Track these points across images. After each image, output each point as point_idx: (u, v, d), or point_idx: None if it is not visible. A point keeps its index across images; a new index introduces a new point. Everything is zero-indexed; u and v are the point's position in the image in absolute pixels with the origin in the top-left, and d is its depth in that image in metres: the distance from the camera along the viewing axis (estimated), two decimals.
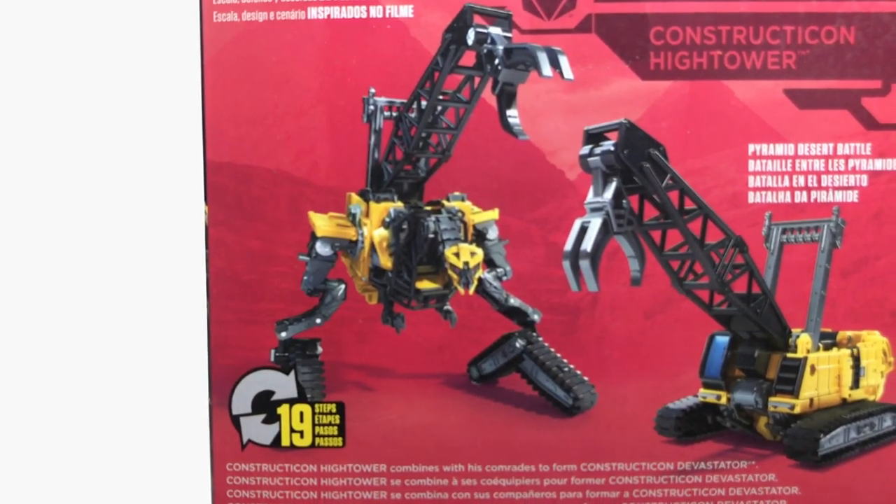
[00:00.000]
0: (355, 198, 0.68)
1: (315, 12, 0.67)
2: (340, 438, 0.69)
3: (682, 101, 0.67)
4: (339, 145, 0.67)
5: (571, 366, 0.69)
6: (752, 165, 0.67)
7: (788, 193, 0.68)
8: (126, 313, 0.73)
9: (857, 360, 0.70)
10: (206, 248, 0.68)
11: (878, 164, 0.67)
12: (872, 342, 0.69)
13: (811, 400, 0.70)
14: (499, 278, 0.69)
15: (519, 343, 0.69)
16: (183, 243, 0.70)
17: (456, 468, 0.68)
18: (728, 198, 0.68)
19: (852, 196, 0.68)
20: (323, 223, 0.67)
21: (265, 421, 0.69)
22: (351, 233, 0.68)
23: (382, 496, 0.68)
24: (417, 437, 0.68)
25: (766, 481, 0.68)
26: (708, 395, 0.70)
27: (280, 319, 0.68)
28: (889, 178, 0.67)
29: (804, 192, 0.68)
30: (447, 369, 0.69)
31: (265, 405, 0.69)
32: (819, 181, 0.67)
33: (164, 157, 0.71)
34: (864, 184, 0.67)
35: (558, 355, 0.69)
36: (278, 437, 0.69)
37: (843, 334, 0.70)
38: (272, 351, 0.68)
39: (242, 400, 0.69)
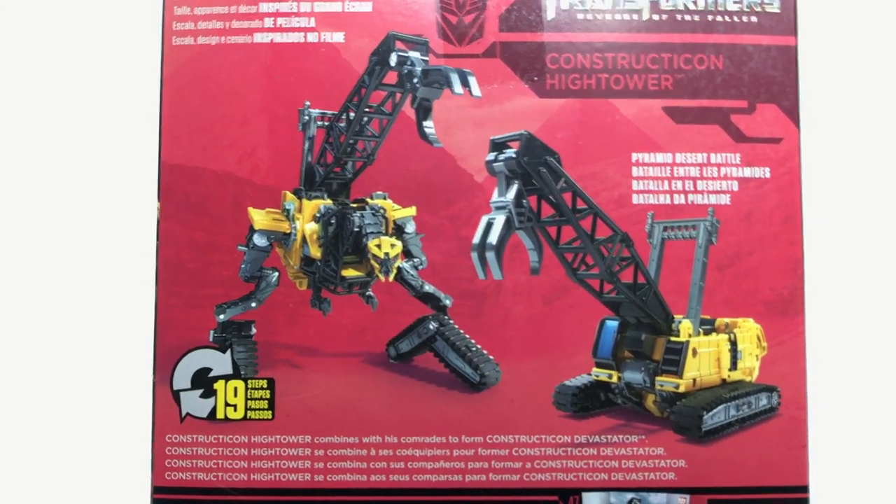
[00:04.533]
0: (290, 195, 0.77)
1: (260, 37, 0.77)
2: (270, 412, 0.76)
3: (575, 115, 0.77)
4: (277, 150, 0.77)
5: (478, 346, 0.77)
6: (636, 171, 0.77)
7: (668, 196, 0.77)
8: (81, 298, 0.80)
9: (734, 344, 0.78)
10: (157, 239, 0.76)
11: (747, 172, 0.77)
12: (747, 328, 0.77)
13: (694, 380, 0.77)
14: (415, 267, 0.77)
15: (432, 325, 0.77)
16: (137, 235, 0.79)
17: (374, 440, 0.75)
18: (615, 199, 0.77)
19: (725, 199, 0.77)
20: (260, 217, 0.76)
21: (203, 396, 0.76)
22: (285, 226, 0.77)
23: (307, 465, 0.75)
24: (340, 411, 0.76)
25: (655, 454, 0.75)
26: (600, 374, 0.77)
27: (219, 303, 0.76)
28: (757, 185, 0.77)
29: (682, 195, 0.77)
30: (368, 349, 0.77)
31: (203, 381, 0.76)
32: (695, 186, 0.77)
33: (124, 158, 0.80)
34: (735, 189, 0.77)
35: (467, 336, 0.77)
36: (214, 411, 0.76)
37: (721, 321, 0.78)
38: (211, 332, 0.76)
39: (183, 376, 0.76)
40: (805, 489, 0.75)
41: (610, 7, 0.77)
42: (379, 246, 0.76)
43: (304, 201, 0.77)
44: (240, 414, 0.76)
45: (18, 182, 0.81)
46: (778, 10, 0.78)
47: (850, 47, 0.83)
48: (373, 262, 0.77)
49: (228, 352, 0.76)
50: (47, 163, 0.80)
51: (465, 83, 0.75)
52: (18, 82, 0.82)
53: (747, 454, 0.75)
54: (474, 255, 0.75)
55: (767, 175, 0.77)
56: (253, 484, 0.75)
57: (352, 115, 0.77)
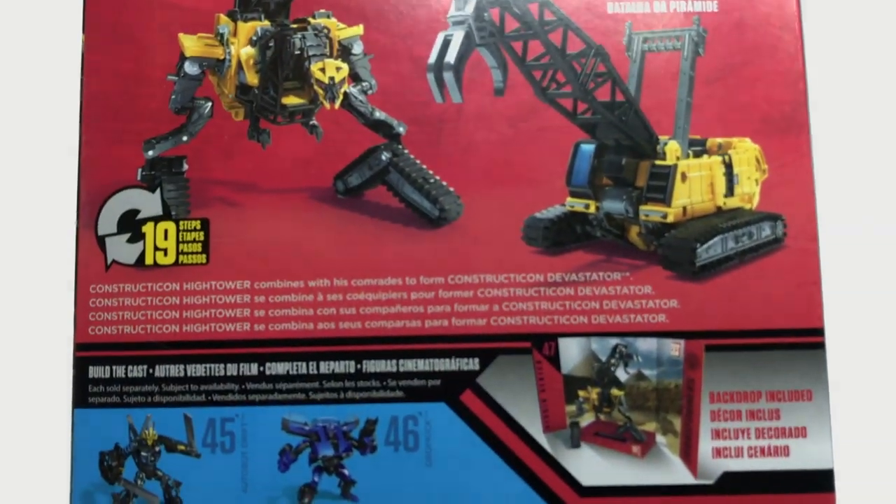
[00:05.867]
0: (223, 18, 0.70)
1: None
2: (204, 255, 0.67)
3: None
4: None
5: (437, 177, 0.68)
6: None
7: (647, 4, 0.68)
8: None
9: (729, 167, 0.69)
10: (82, 73, 0.69)
11: None
12: (744, 149, 0.67)
13: (684, 208, 0.68)
14: (364, 92, 0.69)
15: (384, 155, 0.69)
16: (60, 68, 0.71)
17: (321, 283, 0.67)
18: (587, 8, 0.68)
19: (711, 6, 0.68)
20: (191, 43, 0.68)
21: (130, 240, 0.68)
22: (218, 52, 0.69)
23: (246, 313, 0.66)
24: (282, 253, 0.67)
25: (642, 294, 0.66)
26: (576, 204, 0.68)
27: (148, 138, 0.69)
28: None
29: (663, 2, 0.68)
30: (313, 183, 0.68)
31: (131, 224, 0.68)
32: None
33: None
34: None
35: (424, 167, 0.68)
36: (142, 256, 0.68)
37: (714, 141, 0.69)
38: (139, 170, 0.68)
39: (109, 220, 0.68)
40: (820, 332, 0.65)
41: None
42: (323, 69, 0.68)
43: (240, 24, 0.69)
44: (171, 259, 0.67)
45: None
46: None
47: None
48: (316, 87, 0.68)
49: (158, 191, 0.68)
50: None
51: None
52: None
53: (750, 292, 0.65)
54: (430, 76, 0.67)
55: None
56: (186, 336, 0.66)
57: None
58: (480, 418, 0.64)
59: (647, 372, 0.64)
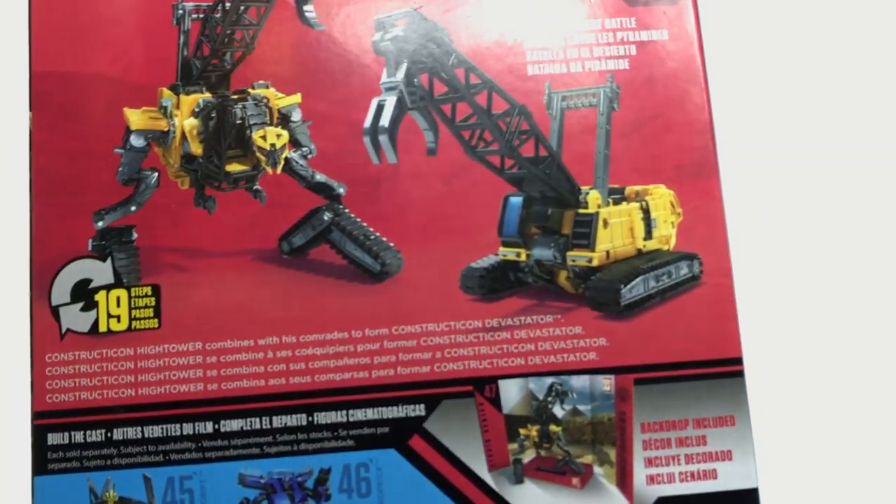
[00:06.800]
0: (166, 92, 0.73)
1: None
2: (156, 320, 0.70)
3: None
4: (151, 47, 0.73)
5: (378, 234, 0.72)
6: (529, 42, 0.73)
7: (564, 65, 0.74)
8: None
9: (646, 212, 0.74)
10: (30, 150, 0.72)
11: (644, 36, 0.74)
12: (659, 195, 0.73)
13: (607, 252, 0.73)
14: (304, 157, 0.73)
15: (326, 216, 0.73)
16: (9, 147, 0.74)
17: (271, 341, 0.70)
18: (509, 72, 0.74)
19: (623, 64, 0.74)
20: (136, 117, 0.72)
21: (83, 309, 0.71)
22: (163, 124, 0.72)
23: (199, 374, 0.69)
24: (232, 313, 0.70)
25: (573, 334, 0.70)
26: (508, 253, 0.73)
27: (97, 210, 0.71)
28: (655, 48, 0.74)
29: (578, 63, 0.74)
30: (259, 245, 0.72)
31: (83, 293, 0.71)
32: (591, 52, 0.74)
33: None
34: (633, 53, 0.74)
35: (364, 224, 0.72)
36: (96, 324, 0.70)
37: (631, 189, 0.74)
38: (90, 240, 0.71)
39: (62, 290, 0.71)
40: (738, 361, 0.70)
41: None
42: (264, 137, 0.72)
43: (182, 97, 0.73)
44: (123, 325, 0.70)
45: None
46: None
47: None
48: (258, 154, 0.72)
49: (109, 260, 0.71)
50: None
51: None
52: None
53: (672, 328, 0.70)
54: (366, 140, 0.71)
55: (666, 37, 0.74)
56: (141, 399, 0.69)
57: (227, 4, 0.73)
58: (429, 461, 0.68)
59: (581, 407, 0.69)
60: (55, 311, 0.70)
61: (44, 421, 0.69)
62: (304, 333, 0.70)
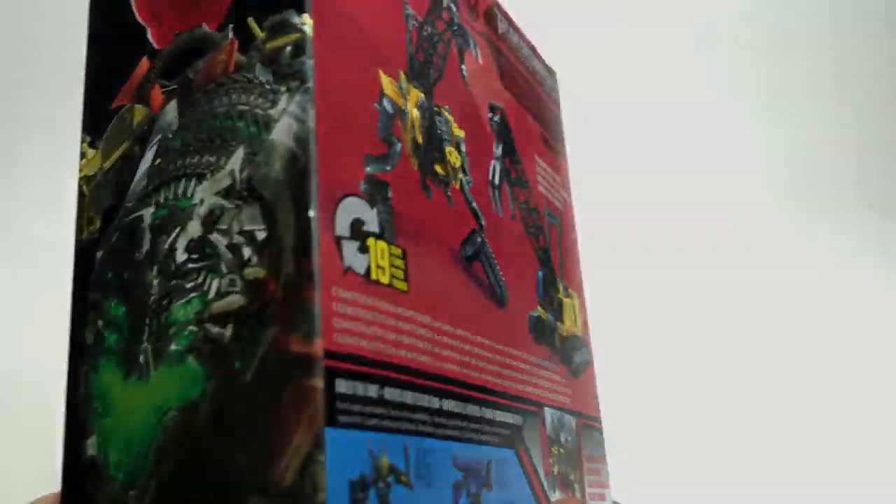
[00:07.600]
0: (402, 75, 0.74)
1: None
2: (405, 283, 0.67)
3: None
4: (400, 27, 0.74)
5: None
6: None
7: None
8: None
9: None
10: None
11: None
12: None
13: None
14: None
15: (479, 237, 0.81)
16: None
17: None
18: None
19: None
20: (387, 83, 0.71)
21: (360, 250, 0.62)
22: (402, 102, 0.72)
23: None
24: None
25: None
26: None
27: (367, 154, 0.65)
28: None
29: None
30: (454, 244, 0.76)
31: (358, 233, 0.62)
32: None
33: None
34: None
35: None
36: (368, 270, 0.63)
37: None
38: (361, 182, 0.64)
39: (343, 223, 0.61)
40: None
41: None
42: (450, 153, 0.79)
43: (410, 86, 0.74)
44: (386, 279, 0.64)
45: None
46: None
47: None
48: (442, 168, 0.78)
49: (375, 208, 0.65)
50: None
51: None
52: None
53: None
54: None
55: None
56: (409, 362, 0.63)
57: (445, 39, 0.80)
58: None
59: None
60: (338, 243, 0.60)
61: (334, 363, 0.57)
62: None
